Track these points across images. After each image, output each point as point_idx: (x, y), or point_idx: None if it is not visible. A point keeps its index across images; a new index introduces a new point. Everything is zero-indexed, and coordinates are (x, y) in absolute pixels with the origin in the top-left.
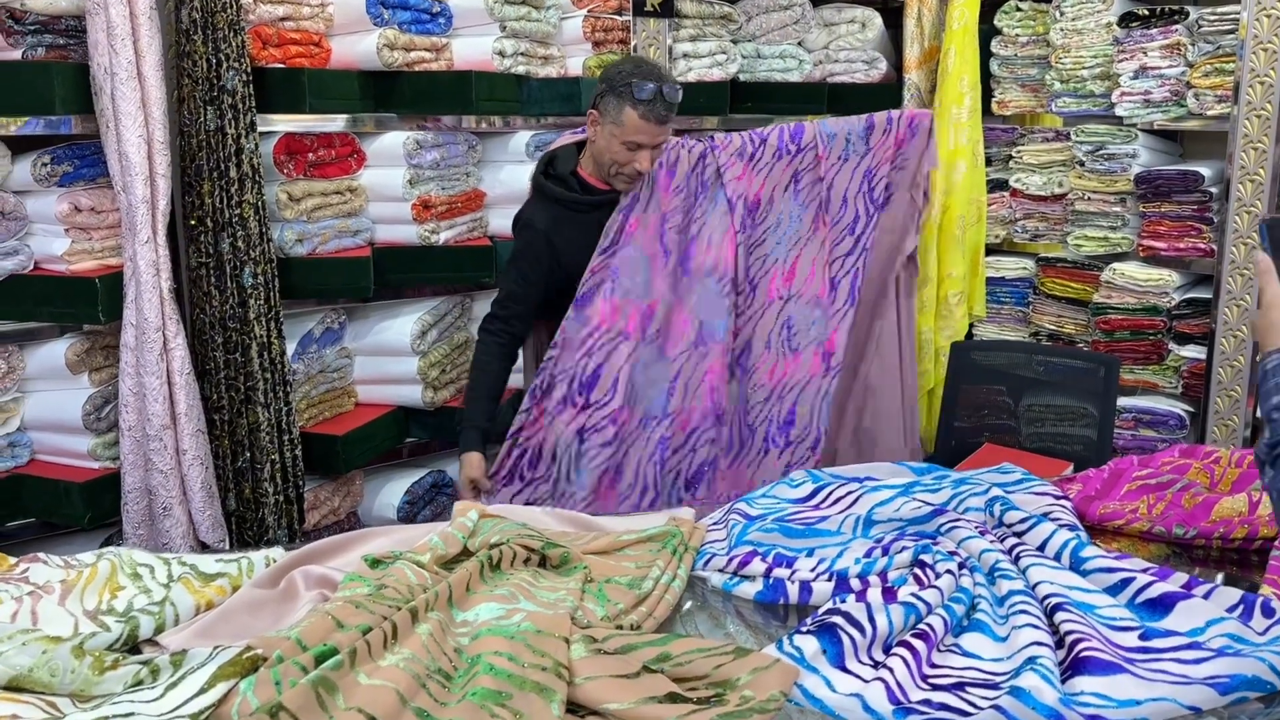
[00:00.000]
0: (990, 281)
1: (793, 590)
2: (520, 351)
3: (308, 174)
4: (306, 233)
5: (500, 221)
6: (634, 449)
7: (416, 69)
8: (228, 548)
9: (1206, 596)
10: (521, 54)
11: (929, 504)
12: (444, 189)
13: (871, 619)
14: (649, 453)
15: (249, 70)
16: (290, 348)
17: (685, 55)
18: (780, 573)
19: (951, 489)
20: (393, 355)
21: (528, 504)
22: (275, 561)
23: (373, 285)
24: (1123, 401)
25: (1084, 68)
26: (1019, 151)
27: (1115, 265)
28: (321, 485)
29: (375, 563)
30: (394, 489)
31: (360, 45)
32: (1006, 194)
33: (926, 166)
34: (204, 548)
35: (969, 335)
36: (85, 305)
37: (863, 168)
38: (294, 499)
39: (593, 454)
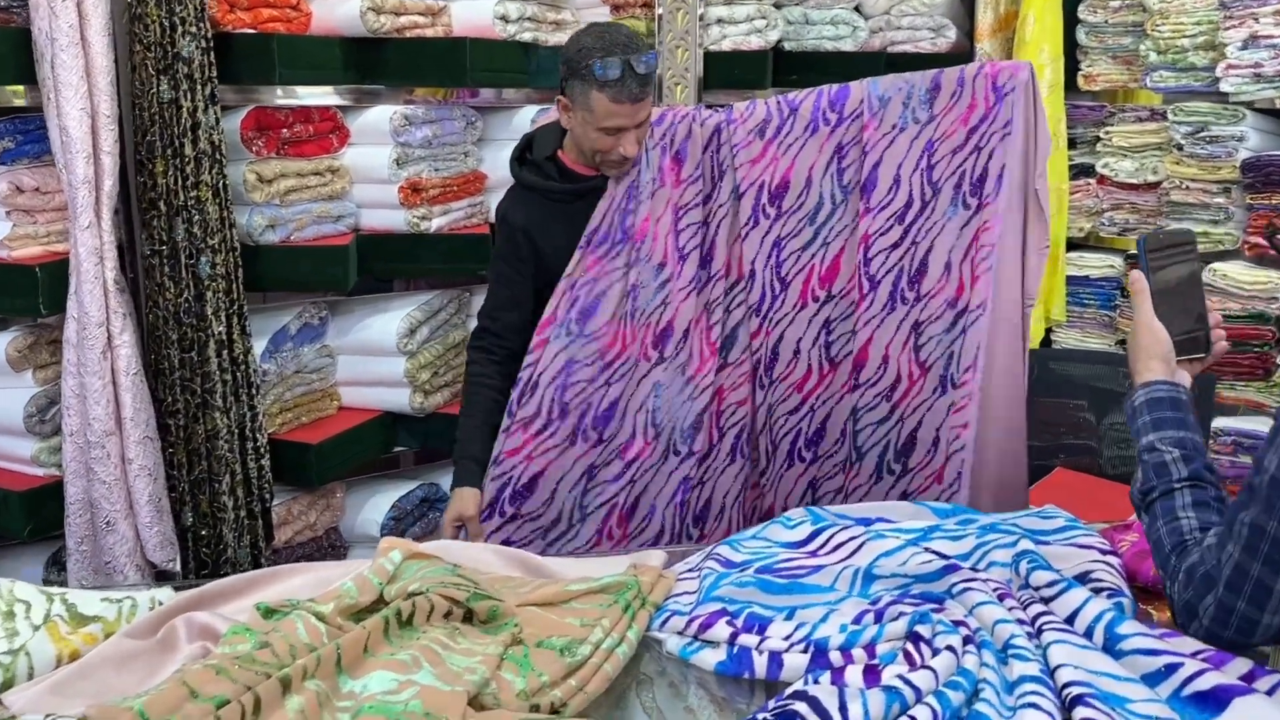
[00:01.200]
0: (1071, 281)
1: (760, 663)
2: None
3: (281, 152)
4: (279, 218)
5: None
6: (651, 485)
7: (408, 35)
8: (178, 567)
9: (1271, 692)
10: (529, 19)
11: (943, 557)
12: (437, 170)
13: (843, 708)
14: (669, 492)
15: (209, 36)
16: (261, 345)
17: (719, 20)
18: (747, 640)
19: (976, 538)
20: (378, 355)
21: (508, 544)
22: (161, 604)
23: (354, 276)
24: (1220, 423)
25: (1184, 36)
26: (1108, 133)
27: (1216, 265)
28: (296, 498)
29: (269, 612)
30: (379, 503)
31: (342, 8)
32: (1092, 181)
33: (1043, 146)
34: (152, 568)
35: (1045, 342)
36: (24, 296)
37: (923, 139)
38: (259, 514)
39: (598, 492)
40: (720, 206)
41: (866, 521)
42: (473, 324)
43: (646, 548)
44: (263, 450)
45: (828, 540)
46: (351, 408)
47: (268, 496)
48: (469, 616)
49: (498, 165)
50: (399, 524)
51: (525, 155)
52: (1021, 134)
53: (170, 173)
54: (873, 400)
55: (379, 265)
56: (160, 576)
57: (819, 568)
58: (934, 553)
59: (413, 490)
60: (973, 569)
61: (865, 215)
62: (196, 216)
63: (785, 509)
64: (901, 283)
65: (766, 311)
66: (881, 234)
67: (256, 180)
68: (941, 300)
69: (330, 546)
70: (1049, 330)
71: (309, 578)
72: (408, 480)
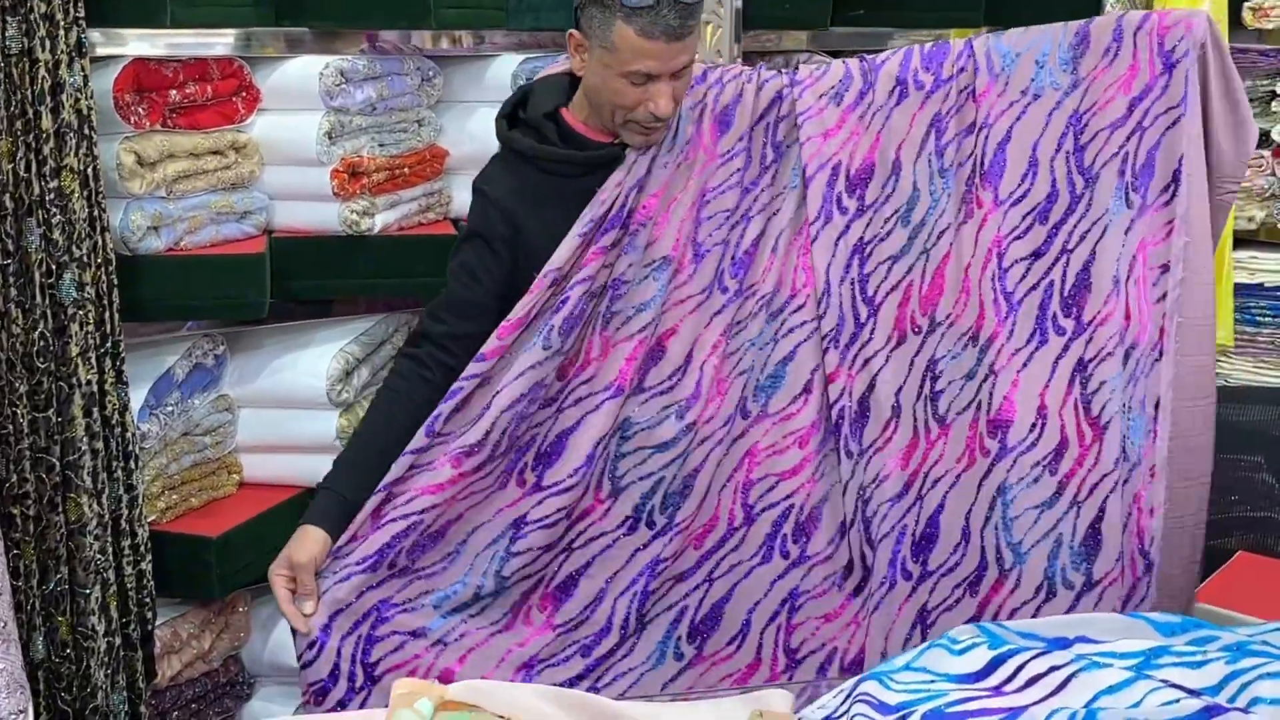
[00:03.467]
0: (1240, 291)
1: None
2: None
3: (168, 122)
4: (165, 215)
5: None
6: (602, 561)
7: None
8: None
9: None
10: None
11: (1190, 693)
12: (382, 146)
13: None
14: (629, 575)
15: None
16: (137, 398)
17: None
18: None
19: (1226, 663)
20: (298, 408)
21: (385, 609)
22: None
23: (269, 298)
24: None
25: None
26: None
27: None
28: (185, 615)
29: None
30: None
31: None
32: (1266, 153)
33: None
34: None
35: None
36: None
37: (1065, 111)
38: (138, 641)
39: (526, 558)
40: (772, 196)
41: (1063, 643)
42: None
43: (585, 647)
44: (143, 548)
45: (1016, 671)
46: (258, 483)
47: (150, 615)
48: None
49: (463, 138)
50: None
51: (518, 112)
52: (1198, 116)
53: (20, 154)
54: (1031, 473)
55: (301, 282)
56: None
57: (1015, 711)
58: (1176, 687)
59: None
60: (1238, 709)
61: (994, 210)
62: (58, 216)
63: (883, 655)
64: (1052, 305)
65: (847, 346)
66: (1017, 237)
67: (135, 164)
68: (1113, 330)
69: (229, 684)
70: None
71: None
72: None
